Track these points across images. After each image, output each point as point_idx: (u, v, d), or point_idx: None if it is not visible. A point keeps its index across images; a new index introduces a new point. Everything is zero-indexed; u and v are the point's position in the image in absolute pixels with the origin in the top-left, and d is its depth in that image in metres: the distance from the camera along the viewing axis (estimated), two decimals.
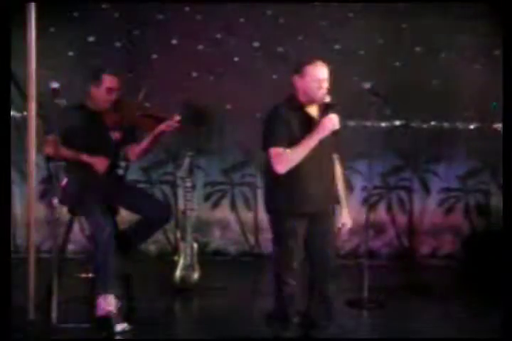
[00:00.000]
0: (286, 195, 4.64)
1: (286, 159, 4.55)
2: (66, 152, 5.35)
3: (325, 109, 4.63)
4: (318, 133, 4.55)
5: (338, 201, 4.82)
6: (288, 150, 4.54)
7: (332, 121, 4.57)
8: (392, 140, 7.70)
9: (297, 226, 4.64)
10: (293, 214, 4.63)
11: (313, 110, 4.68)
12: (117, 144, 5.53)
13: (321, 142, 4.60)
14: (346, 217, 4.84)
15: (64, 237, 5.45)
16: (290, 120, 4.59)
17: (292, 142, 4.56)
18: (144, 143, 5.59)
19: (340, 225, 4.83)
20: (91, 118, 5.50)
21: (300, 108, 4.65)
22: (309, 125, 4.59)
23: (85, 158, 5.42)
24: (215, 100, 7.64)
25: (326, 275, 4.76)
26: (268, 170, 4.66)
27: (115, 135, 5.53)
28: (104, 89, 5.48)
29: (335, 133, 4.66)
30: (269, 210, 4.75)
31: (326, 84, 4.63)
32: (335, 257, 4.84)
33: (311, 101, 4.65)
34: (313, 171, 4.62)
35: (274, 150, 4.57)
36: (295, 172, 4.58)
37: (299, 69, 4.66)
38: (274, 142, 4.58)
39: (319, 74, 4.61)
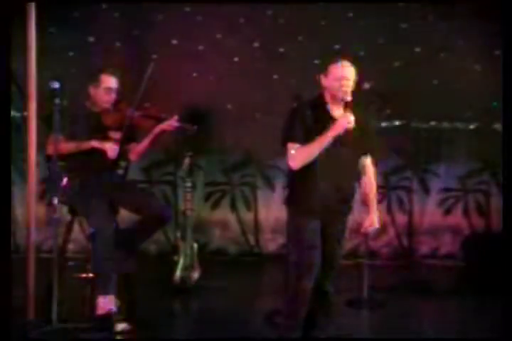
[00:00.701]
0: (300, 193, 4.64)
1: (298, 155, 4.55)
2: (71, 144, 5.33)
3: (344, 108, 4.63)
4: (332, 131, 4.55)
5: (366, 203, 4.79)
6: (302, 146, 4.54)
7: (346, 120, 4.55)
8: (392, 140, 7.70)
9: (314, 225, 4.62)
10: (307, 213, 4.62)
11: (338, 110, 4.68)
12: (117, 144, 5.51)
13: (343, 143, 4.60)
14: (375, 219, 4.82)
15: (64, 237, 5.44)
16: (310, 118, 4.59)
17: (309, 140, 4.56)
18: (144, 142, 5.59)
19: (366, 227, 4.80)
20: (91, 118, 5.49)
21: (323, 107, 4.65)
22: (329, 124, 4.60)
23: (95, 144, 5.39)
24: (215, 100, 7.64)
25: (331, 275, 4.75)
26: (288, 168, 4.68)
27: (115, 135, 5.52)
28: (103, 90, 5.47)
29: (355, 135, 4.62)
30: (287, 206, 4.75)
31: (348, 83, 4.62)
32: (341, 259, 4.83)
33: (335, 100, 4.65)
34: (330, 171, 4.61)
35: (289, 146, 4.58)
36: (312, 171, 4.58)
37: (324, 69, 4.68)
38: (290, 138, 4.59)
39: (341, 73, 4.61)
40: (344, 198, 4.69)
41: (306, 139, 4.56)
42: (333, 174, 4.62)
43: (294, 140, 4.58)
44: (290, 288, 4.70)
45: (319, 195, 4.62)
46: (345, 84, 4.61)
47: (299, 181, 4.65)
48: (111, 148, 5.38)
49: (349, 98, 4.62)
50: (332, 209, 4.67)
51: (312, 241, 4.62)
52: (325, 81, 4.66)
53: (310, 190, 4.62)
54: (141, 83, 5.38)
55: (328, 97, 4.68)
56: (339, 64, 4.64)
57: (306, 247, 4.61)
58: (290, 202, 4.73)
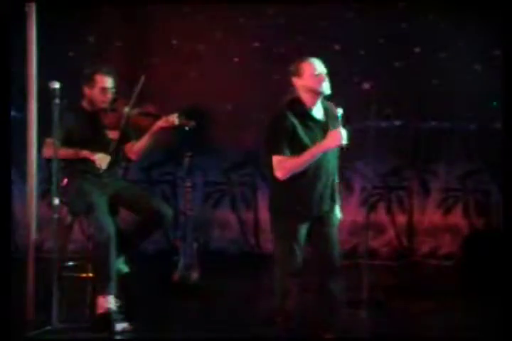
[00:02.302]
0: (288, 195, 4.64)
1: (287, 167, 4.54)
2: (66, 152, 5.34)
3: (323, 102, 4.63)
4: (324, 146, 4.52)
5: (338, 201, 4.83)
6: (290, 159, 4.53)
7: (340, 136, 4.52)
8: (392, 140, 7.70)
9: (298, 227, 4.63)
10: (294, 215, 4.62)
11: (317, 110, 4.68)
12: (115, 144, 5.51)
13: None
14: (338, 212, 4.86)
15: (64, 237, 5.44)
16: (294, 125, 4.57)
17: (297, 145, 4.55)
18: (142, 141, 5.58)
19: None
20: (88, 118, 5.49)
21: (304, 111, 4.64)
22: (314, 128, 4.59)
23: (86, 154, 5.39)
24: (215, 100, 7.64)
25: (333, 276, 4.75)
26: (272, 173, 4.66)
27: (113, 134, 5.51)
28: (98, 90, 5.46)
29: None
30: (271, 210, 4.74)
31: (325, 78, 4.63)
32: (340, 258, 4.83)
33: (315, 98, 4.64)
34: (318, 173, 4.61)
35: (276, 158, 4.56)
36: (299, 173, 4.58)
37: (295, 70, 4.68)
38: (276, 150, 4.56)
39: (316, 69, 4.63)
40: (329, 199, 4.70)
41: (290, 150, 4.54)
42: (319, 175, 4.62)
43: (279, 152, 4.55)
44: (275, 287, 4.72)
45: (305, 197, 4.62)
46: (324, 79, 4.61)
47: (284, 183, 4.63)
48: (100, 159, 5.36)
49: (329, 91, 4.62)
50: (319, 211, 4.67)
51: (293, 242, 4.62)
52: (300, 81, 4.66)
53: (295, 192, 4.62)
54: (132, 96, 5.40)
55: (306, 98, 4.66)
56: (311, 61, 4.66)
57: (287, 248, 4.62)
58: (274, 203, 4.72)
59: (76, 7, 7.49)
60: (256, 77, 7.60)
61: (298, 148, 4.55)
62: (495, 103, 7.47)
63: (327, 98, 4.68)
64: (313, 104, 4.66)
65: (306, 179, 4.60)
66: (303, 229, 4.65)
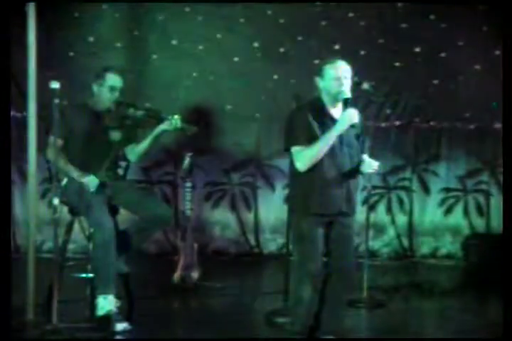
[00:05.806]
0: (305, 195, 4.62)
1: (306, 155, 4.54)
2: (62, 163, 5.32)
3: (344, 105, 4.62)
4: (337, 127, 4.54)
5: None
6: (307, 147, 4.53)
7: (350, 115, 4.55)
8: (392, 140, 7.71)
9: (316, 228, 4.61)
10: (312, 216, 4.60)
11: (337, 111, 4.67)
12: (117, 144, 5.51)
13: (345, 144, 4.61)
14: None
15: (64, 237, 5.44)
16: (312, 120, 4.57)
17: (313, 142, 4.55)
18: (144, 143, 5.58)
19: None
20: (91, 117, 5.49)
21: (322, 109, 4.65)
22: (331, 126, 4.58)
23: (76, 176, 5.37)
24: (215, 100, 7.65)
25: (346, 279, 4.73)
26: (291, 171, 4.66)
27: (115, 135, 5.51)
28: (107, 88, 5.46)
29: (355, 133, 4.64)
30: (290, 210, 4.73)
31: (346, 82, 4.63)
32: (355, 263, 4.82)
33: (334, 100, 4.64)
34: (335, 173, 4.60)
35: (294, 149, 4.57)
36: (316, 173, 4.57)
37: (319, 70, 4.67)
38: (295, 141, 4.57)
39: (338, 73, 4.62)
40: (347, 201, 4.68)
41: (309, 142, 4.55)
42: (337, 176, 4.61)
43: (297, 143, 4.56)
44: (293, 294, 4.69)
45: (322, 197, 4.60)
46: (343, 83, 4.61)
47: (302, 183, 4.62)
48: (89, 182, 5.35)
49: (348, 95, 4.62)
50: (335, 212, 4.65)
51: (311, 243, 4.60)
52: (321, 82, 4.66)
53: (315, 192, 4.60)
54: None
55: (325, 99, 4.67)
56: (335, 64, 4.65)
57: (305, 249, 4.61)
58: (292, 203, 4.71)
59: (76, 7, 7.50)
60: (256, 77, 7.60)
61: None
62: (495, 103, 7.47)
63: (350, 103, 4.64)
64: (332, 105, 4.66)
65: (322, 178, 4.58)
66: (320, 230, 4.62)
